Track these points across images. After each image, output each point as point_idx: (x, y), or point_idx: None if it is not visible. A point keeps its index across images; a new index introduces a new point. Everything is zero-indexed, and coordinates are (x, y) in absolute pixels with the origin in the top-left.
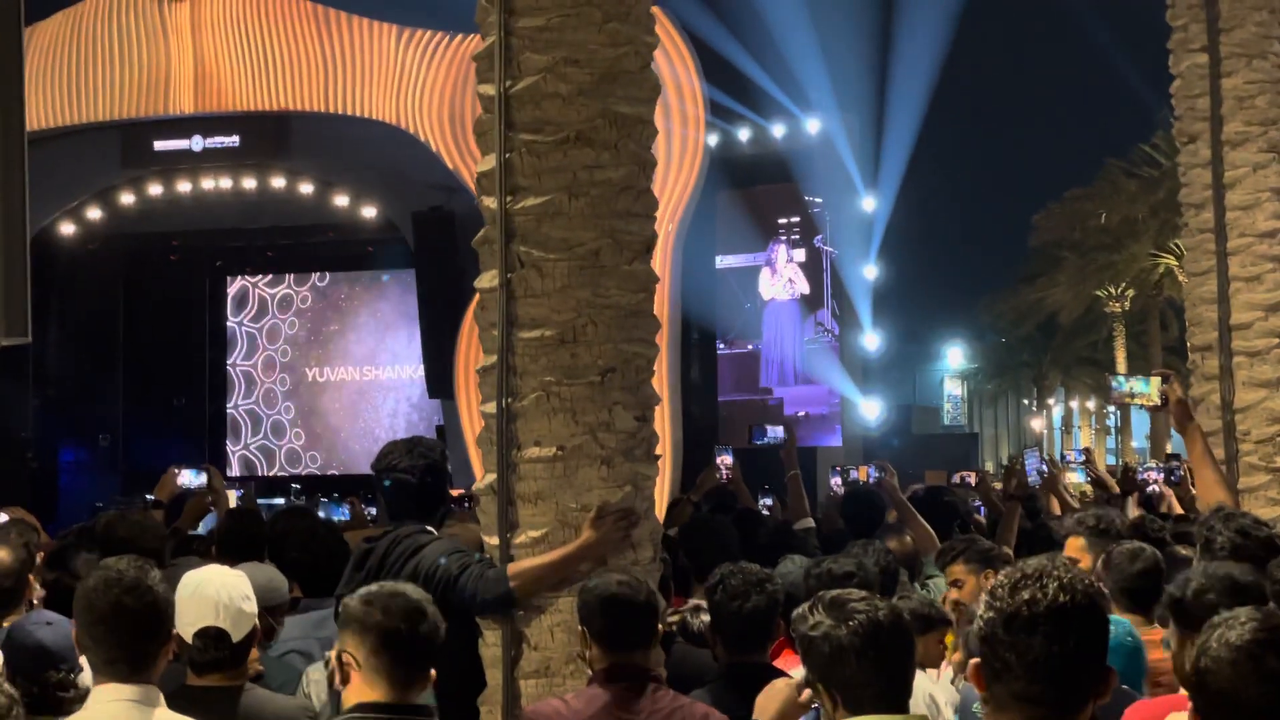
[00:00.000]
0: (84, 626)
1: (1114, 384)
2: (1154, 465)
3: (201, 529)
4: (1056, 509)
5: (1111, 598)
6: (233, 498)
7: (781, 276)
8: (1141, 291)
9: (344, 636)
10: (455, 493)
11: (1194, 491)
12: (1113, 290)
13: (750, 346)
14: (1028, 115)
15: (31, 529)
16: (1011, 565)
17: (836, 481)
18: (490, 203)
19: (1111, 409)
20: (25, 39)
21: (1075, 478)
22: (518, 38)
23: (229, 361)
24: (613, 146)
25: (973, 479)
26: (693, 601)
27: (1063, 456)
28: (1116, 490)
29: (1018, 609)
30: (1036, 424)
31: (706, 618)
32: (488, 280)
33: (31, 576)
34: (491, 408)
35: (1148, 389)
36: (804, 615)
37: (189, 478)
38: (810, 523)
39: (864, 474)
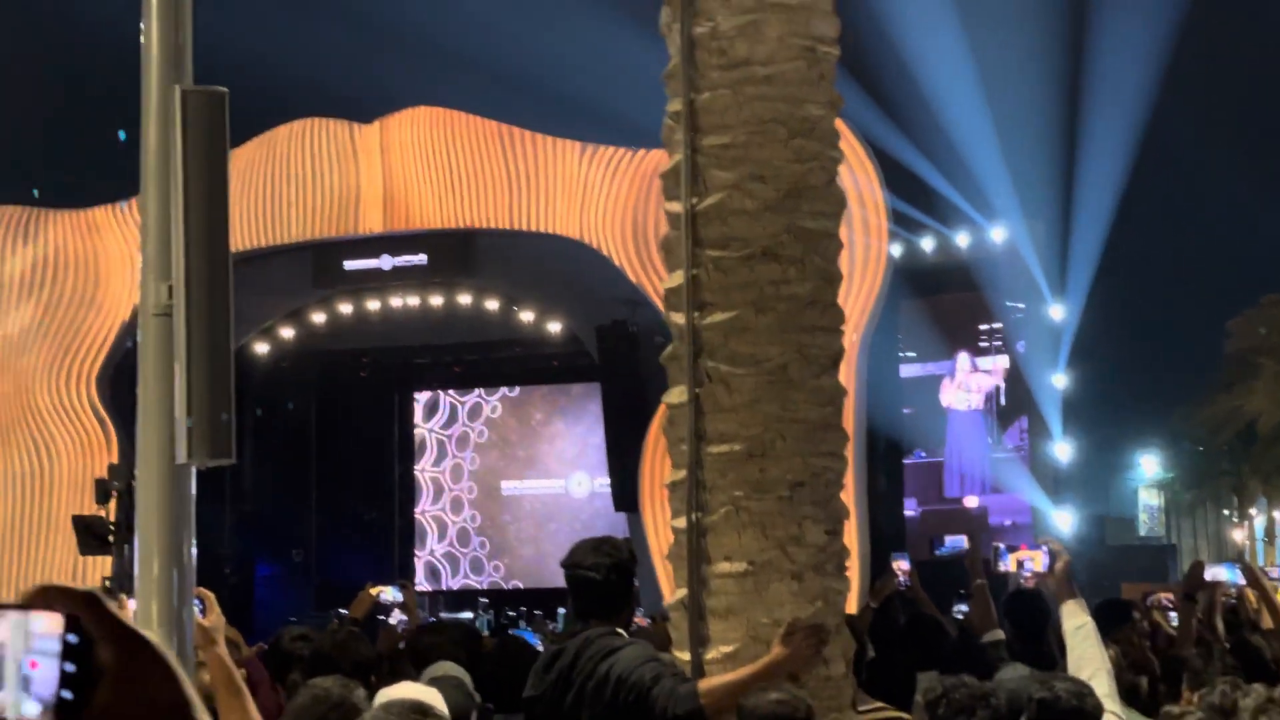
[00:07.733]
0: None
1: None
2: None
3: None
4: (1267, 621)
5: None
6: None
7: (962, 387)
8: None
9: None
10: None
11: None
12: None
13: (925, 455)
14: (1220, 219)
15: (234, 645)
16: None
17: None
18: (678, 318)
19: None
20: None
21: None
22: (704, 155)
23: (417, 467)
24: (799, 261)
25: (1171, 599)
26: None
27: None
28: None
29: None
30: (1238, 535)
31: None
32: (676, 395)
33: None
34: (682, 522)
35: None
36: None
37: (390, 594)
38: (999, 634)
39: (1038, 560)
